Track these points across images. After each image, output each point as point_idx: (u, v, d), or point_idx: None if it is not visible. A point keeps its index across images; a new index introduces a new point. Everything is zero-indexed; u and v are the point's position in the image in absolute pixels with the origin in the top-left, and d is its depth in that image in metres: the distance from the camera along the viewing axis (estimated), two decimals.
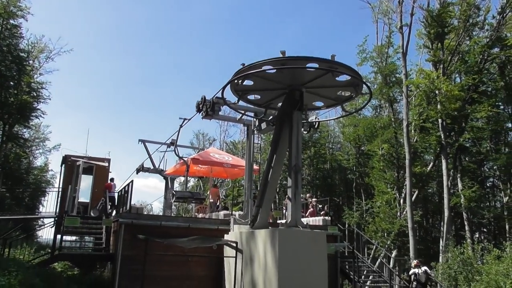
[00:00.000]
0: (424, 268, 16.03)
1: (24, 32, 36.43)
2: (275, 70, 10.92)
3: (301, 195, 17.45)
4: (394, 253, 29.89)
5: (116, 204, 18.04)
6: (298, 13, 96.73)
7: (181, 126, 16.08)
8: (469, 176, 32.28)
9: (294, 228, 11.16)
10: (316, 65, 10.63)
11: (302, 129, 13.82)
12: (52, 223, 17.80)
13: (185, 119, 15.13)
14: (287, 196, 12.19)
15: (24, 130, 43.02)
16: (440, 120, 28.99)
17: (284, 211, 20.00)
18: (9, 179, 43.72)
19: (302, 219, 13.39)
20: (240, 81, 11.44)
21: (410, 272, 16.25)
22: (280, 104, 13.00)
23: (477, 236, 33.69)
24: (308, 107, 13.34)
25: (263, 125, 14.16)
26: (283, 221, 14.67)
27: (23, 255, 17.99)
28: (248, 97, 12.70)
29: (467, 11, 28.39)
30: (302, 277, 10.59)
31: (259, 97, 12.72)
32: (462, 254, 21.54)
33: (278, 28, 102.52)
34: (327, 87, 11.91)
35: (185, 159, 18.50)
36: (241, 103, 13.30)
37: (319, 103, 13.30)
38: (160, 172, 22.93)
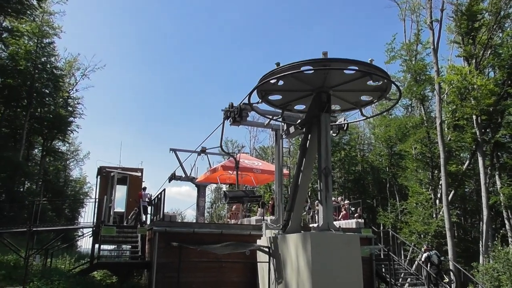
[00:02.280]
0: (434, 251, 17.25)
1: (62, 51, 38.39)
2: (311, 71, 10.79)
3: (333, 198, 17.39)
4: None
5: (145, 212, 18.43)
6: (324, 16, 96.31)
7: (225, 118, 14.31)
8: (508, 173, 31.11)
9: (327, 231, 11.09)
10: (356, 68, 10.59)
11: (331, 132, 13.78)
12: (90, 233, 18.34)
13: (228, 110, 13.71)
14: (316, 200, 12.13)
15: (60, 143, 44.70)
16: (474, 117, 28.15)
17: (309, 215, 19.88)
18: (49, 191, 45.46)
19: (335, 222, 13.29)
20: (276, 81, 11.23)
21: (424, 256, 17.09)
22: (297, 106, 13.14)
23: None
24: (358, 102, 13.30)
25: (291, 129, 14.15)
26: (315, 224, 14.59)
27: (64, 265, 18.61)
28: (269, 97, 12.54)
29: (498, 3, 27.50)
30: (337, 280, 10.48)
31: (280, 97, 12.63)
32: (507, 254, 20.81)
33: (305, 31, 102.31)
34: (354, 91, 11.87)
35: (233, 154, 17.97)
36: (269, 108, 13.43)
37: (336, 106, 13.24)
38: (191, 180, 23.21)
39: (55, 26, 36.32)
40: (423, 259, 17.12)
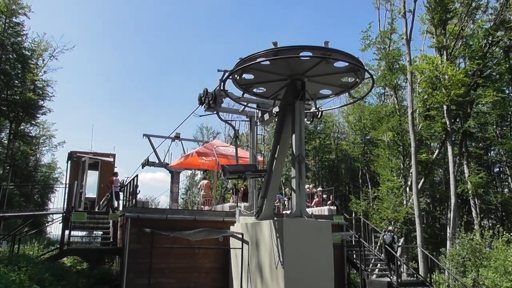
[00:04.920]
0: (392, 233, 17.98)
1: (27, 31, 36.67)
2: (270, 62, 10.87)
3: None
4: (401, 241, 29.89)
5: (117, 198, 18.20)
6: (302, 4, 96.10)
7: (222, 80, 12.26)
8: (475, 162, 32.14)
9: (299, 218, 11.20)
10: (310, 54, 10.60)
11: (305, 119, 13.84)
12: (60, 219, 18.00)
13: (225, 71, 12.03)
14: (287, 188, 12.21)
15: (31, 127, 43.42)
16: (445, 107, 28.81)
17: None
18: (18, 176, 44.23)
19: (308, 209, 13.44)
20: (238, 76, 11.42)
21: (382, 235, 18.48)
22: (258, 90, 13.15)
23: (485, 222, 33.62)
24: (317, 96, 13.38)
25: (266, 116, 14.13)
26: (288, 211, 14.71)
27: (33, 251, 18.24)
28: (254, 90, 12.74)
29: None
30: (308, 266, 10.65)
31: (264, 89, 12.74)
32: (471, 240, 21.51)
33: (284, 18, 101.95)
34: (328, 75, 11.88)
35: (232, 122, 15.98)
36: (246, 95, 13.37)
37: (326, 91, 13.28)
38: (165, 166, 22.99)
39: (23, 4, 34.86)
40: (381, 238, 18.41)
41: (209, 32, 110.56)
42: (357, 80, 12.17)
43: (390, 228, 19.23)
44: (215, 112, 14.12)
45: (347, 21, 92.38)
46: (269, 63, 10.95)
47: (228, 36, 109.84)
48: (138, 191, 18.75)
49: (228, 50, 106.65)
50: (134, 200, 14.19)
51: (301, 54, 10.64)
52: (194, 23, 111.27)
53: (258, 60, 10.65)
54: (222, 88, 12.25)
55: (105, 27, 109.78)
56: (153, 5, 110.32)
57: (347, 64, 10.98)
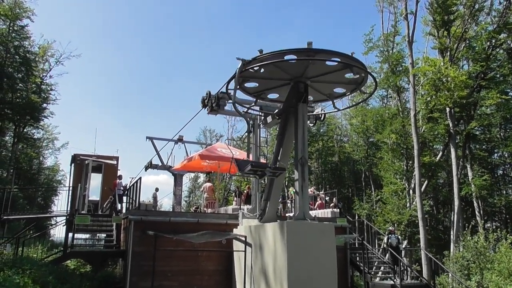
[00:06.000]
0: (397, 235, 18.22)
1: (38, 37, 36.82)
2: (294, 61, 10.84)
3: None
4: (404, 243, 29.78)
5: (120, 201, 18.25)
6: (303, 5, 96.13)
7: (240, 69, 11.16)
8: (479, 164, 32.00)
9: (302, 220, 11.20)
10: (338, 60, 10.68)
11: (308, 122, 13.85)
12: (64, 221, 18.03)
13: (243, 59, 11.03)
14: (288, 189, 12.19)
15: (34, 130, 43.56)
16: (448, 109, 28.74)
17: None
18: (21, 179, 44.36)
19: (311, 212, 13.42)
20: (258, 68, 11.17)
21: (385, 238, 18.10)
22: (271, 95, 13.21)
23: (488, 225, 33.43)
24: None
25: (269, 119, 14.15)
26: (291, 214, 14.69)
27: (36, 254, 18.24)
28: (245, 84, 12.46)
29: None
30: (312, 268, 10.63)
31: (256, 85, 12.60)
32: (476, 243, 21.40)
33: (284, 19, 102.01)
34: (329, 83, 11.97)
35: (250, 113, 15.03)
36: (246, 97, 13.39)
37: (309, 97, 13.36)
38: (168, 168, 23.03)
39: (26, 7, 35.01)
40: (385, 241, 18.01)
41: (209, 32, 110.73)
42: (347, 92, 12.55)
43: (390, 228, 19.20)
44: (231, 102, 13.48)
45: (348, 21, 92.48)
46: (294, 61, 10.87)
47: (229, 37, 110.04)
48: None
49: (229, 50, 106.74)
50: (137, 203, 14.20)
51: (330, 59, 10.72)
52: (194, 24, 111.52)
53: (286, 57, 10.59)
54: (225, 90, 12.23)
55: (105, 27, 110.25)
56: (153, 5, 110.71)
57: (357, 76, 11.16)
